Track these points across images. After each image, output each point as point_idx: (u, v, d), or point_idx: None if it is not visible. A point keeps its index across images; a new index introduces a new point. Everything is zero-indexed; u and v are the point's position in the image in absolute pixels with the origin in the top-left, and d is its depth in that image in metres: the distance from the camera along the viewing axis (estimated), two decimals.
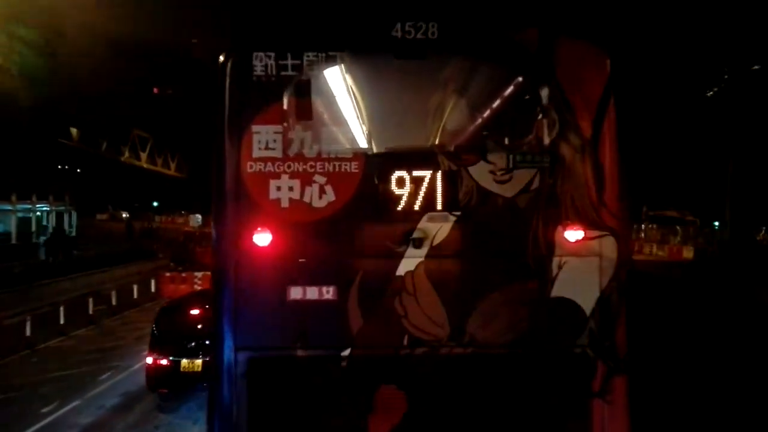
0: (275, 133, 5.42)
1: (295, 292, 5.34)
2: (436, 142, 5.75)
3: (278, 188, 5.40)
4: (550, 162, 5.44)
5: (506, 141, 5.71)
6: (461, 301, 5.28)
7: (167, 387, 11.67)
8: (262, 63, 5.40)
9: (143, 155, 62.92)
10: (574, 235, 5.46)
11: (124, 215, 74.46)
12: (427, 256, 5.29)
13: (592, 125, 5.54)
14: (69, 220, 42.87)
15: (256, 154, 5.42)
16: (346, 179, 5.28)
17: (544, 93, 5.52)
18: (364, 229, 5.28)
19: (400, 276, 5.29)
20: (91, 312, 19.77)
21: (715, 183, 36.17)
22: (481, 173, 5.35)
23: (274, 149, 5.42)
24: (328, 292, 5.32)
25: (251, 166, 5.44)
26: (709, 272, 28.80)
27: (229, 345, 5.39)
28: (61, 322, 18.40)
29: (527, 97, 5.61)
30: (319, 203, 5.39)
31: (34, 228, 39.08)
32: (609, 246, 5.49)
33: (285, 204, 5.42)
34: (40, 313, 18.80)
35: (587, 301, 5.44)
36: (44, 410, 11.61)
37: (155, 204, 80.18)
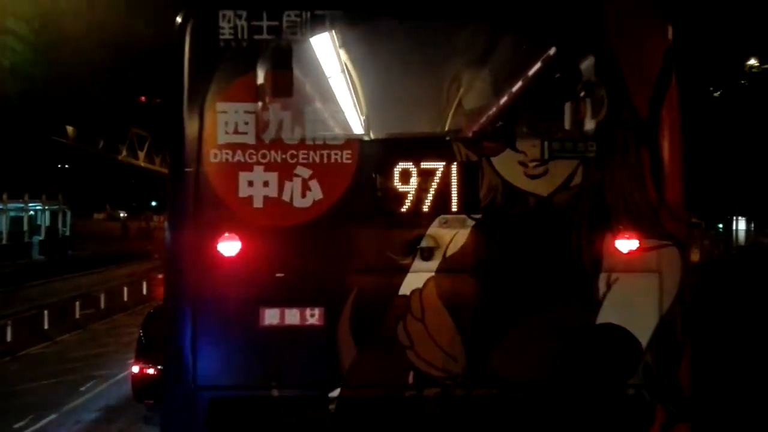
0: (246, 113, 4.38)
1: (271, 316, 4.38)
2: (451, 127, 4.84)
3: (250, 183, 4.37)
4: (597, 151, 4.42)
5: (540, 125, 4.61)
6: (482, 328, 4.40)
7: (154, 398, 10.73)
8: (230, 24, 4.38)
9: (141, 154, 61.93)
10: (627, 244, 4.39)
11: (121, 215, 73.73)
12: (438, 271, 4.39)
13: (649, 105, 4.45)
14: (63, 219, 41.85)
15: (222, 139, 4.37)
16: (336, 172, 4.39)
17: (589, 64, 4.43)
18: (360, 235, 4.42)
19: (405, 296, 4.40)
20: (77, 316, 18.90)
21: (720, 185, 35.41)
22: (507, 165, 4.41)
23: (245, 134, 4.38)
24: (313, 316, 4.38)
25: (215, 155, 4.37)
26: (720, 275, 27.77)
27: (186, 383, 4.35)
28: (46, 326, 17.54)
29: (567, 69, 4.49)
30: (301, 202, 4.39)
31: (26, 228, 38.07)
32: (671, 259, 4.43)
33: (258, 203, 4.39)
34: (26, 316, 18.03)
35: (643, 330, 4.43)
36: (17, 425, 10.74)
37: (153, 203, 79.53)
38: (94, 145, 53.81)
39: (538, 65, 4.64)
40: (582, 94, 4.50)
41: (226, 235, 4.34)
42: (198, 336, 4.36)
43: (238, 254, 4.32)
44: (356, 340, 4.34)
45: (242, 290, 4.33)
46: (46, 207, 40.26)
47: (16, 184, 36.06)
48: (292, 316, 4.36)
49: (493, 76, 4.86)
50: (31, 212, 39.59)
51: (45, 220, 40.24)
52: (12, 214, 37.89)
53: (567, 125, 4.49)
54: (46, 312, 17.85)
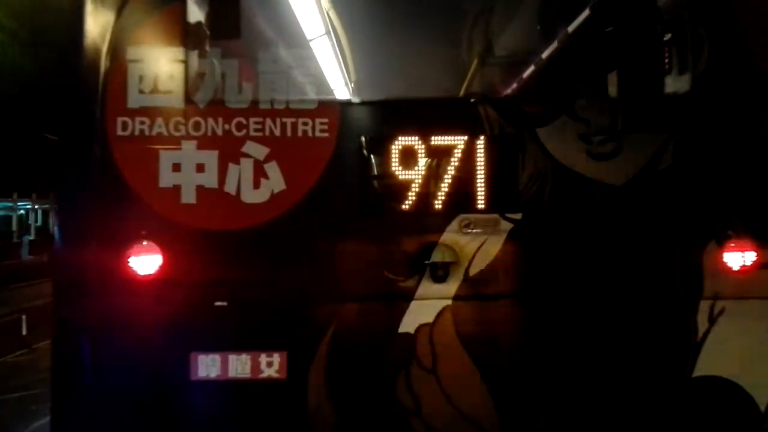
0: (171, 62, 3.04)
1: (207, 365, 3.04)
2: (476, 84, 3.52)
3: (176, 167, 3.04)
4: (694, 119, 3.04)
5: (610, 83, 3.18)
6: (525, 384, 3.05)
7: None
8: None
9: None
10: (739, 258, 3.01)
11: None
12: (458, 298, 3.08)
13: None
14: (55, 218, 40.64)
15: (134, 102, 3.04)
16: (306, 152, 3.07)
17: None
18: (340, 245, 3.08)
19: (408, 334, 3.07)
20: None
21: None
22: (561, 141, 3.06)
23: (168, 93, 3.05)
24: (271, 366, 3.05)
25: (124, 126, 3.04)
26: None
27: None
28: (24, 332, 16.35)
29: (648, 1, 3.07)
30: (254, 196, 3.05)
31: (15, 228, 36.86)
32: None
33: (189, 197, 3.04)
34: (7, 320, 16.81)
35: (763, 385, 3.05)
36: None
37: None
38: None
39: None
40: (669, 36, 3.07)
41: (141, 244, 2.99)
42: (98, 394, 2.99)
43: (159, 272, 3.00)
44: (334, 401, 3.04)
45: (164, 326, 3.01)
46: (37, 206, 39.07)
47: (5, 182, 34.81)
48: (240, 366, 3.05)
49: (537, 9, 3.38)
50: (21, 211, 38.47)
51: (36, 220, 38.92)
52: (0, 213, 36.81)
53: (651, 83, 3.07)
54: (24, 317, 16.73)
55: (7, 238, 36.16)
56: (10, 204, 36.93)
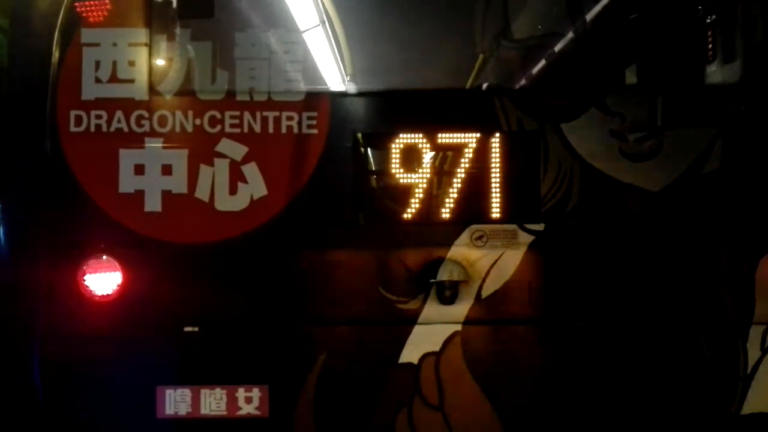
0: (132, 45, 2.65)
1: (176, 401, 2.65)
2: (490, 73, 3.10)
3: (138, 169, 2.66)
4: (746, 113, 2.65)
5: (647, 69, 2.82)
6: (547, 423, 2.67)
7: None
8: None
9: None
10: None
11: None
12: (469, 322, 2.70)
13: None
14: None
15: (89, 92, 2.65)
16: (291, 152, 2.68)
17: None
18: (331, 260, 2.72)
19: (410, 365, 2.69)
20: None
21: None
22: (591, 138, 2.67)
23: (129, 82, 2.66)
24: (250, 402, 2.67)
25: (78, 120, 2.65)
26: None
27: None
28: None
29: None
30: (230, 203, 2.67)
31: None
32: None
33: (153, 204, 2.66)
34: None
35: None
36: None
37: None
38: None
39: None
40: (713, 17, 2.68)
41: (99, 259, 2.60)
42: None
43: (118, 293, 2.63)
44: None
45: (126, 356, 2.63)
46: None
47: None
48: (214, 402, 2.66)
49: None
50: None
51: None
52: None
53: (692, 71, 2.67)
54: None
55: None
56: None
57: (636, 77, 2.83)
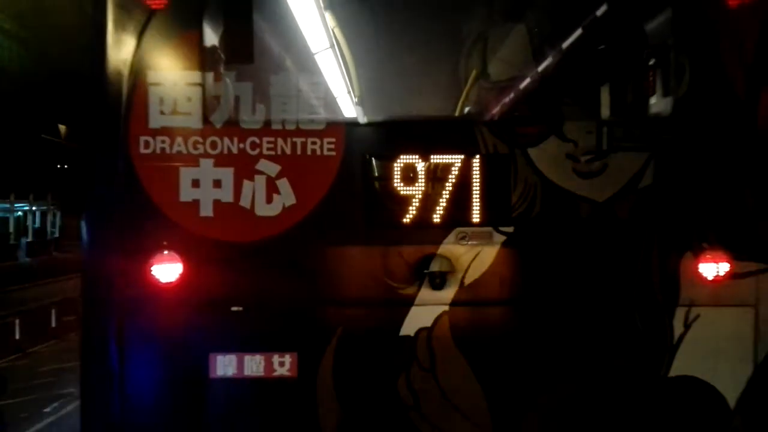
0: (189, 85, 3.26)
1: (225, 365, 3.32)
2: (472, 106, 3.74)
3: (195, 183, 3.29)
4: (674, 139, 3.29)
5: (595, 103, 3.36)
6: (516, 382, 3.34)
7: None
8: None
9: None
10: (713, 269, 3.27)
11: None
12: (454, 304, 3.35)
13: (747, 76, 3.27)
14: (52, 220, 40.04)
15: (155, 122, 3.27)
16: (314, 169, 3.33)
17: (664, 19, 3.28)
18: (346, 255, 3.36)
19: (408, 337, 3.36)
20: (53, 324, 17.73)
21: None
22: (551, 159, 3.33)
23: (187, 114, 3.28)
24: (283, 365, 3.32)
25: (147, 144, 3.27)
26: None
27: None
28: (17, 336, 16.34)
29: (634, 26, 3.24)
30: (266, 210, 3.31)
31: (12, 229, 36.30)
32: None
33: (206, 211, 3.29)
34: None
35: (732, 384, 3.34)
36: None
37: None
38: None
39: (592, 20, 3.41)
40: (653, 60, 3.30)
41: (163, 254, 3.25)
42: (126, 394, 3.27)
43: (179, 280, 3.27)
44: (341, 398, 3.33)
45: (185, 330, 3.29)
46: (34, 207, 38.30)
47: (2, 183, 34.40)
48: (254, 365, 3.32)
49: (529, 35, 3.62)
50: (19, 213, 37.62)
51: (33, 221, 38.36)
52: None
53: (634, 104, 3.31)
54: (17, 321, 16.74)
55: (4, 240, 35.80)
56: (7, 206, 36.57)
57: (591, 109, 3.47)
